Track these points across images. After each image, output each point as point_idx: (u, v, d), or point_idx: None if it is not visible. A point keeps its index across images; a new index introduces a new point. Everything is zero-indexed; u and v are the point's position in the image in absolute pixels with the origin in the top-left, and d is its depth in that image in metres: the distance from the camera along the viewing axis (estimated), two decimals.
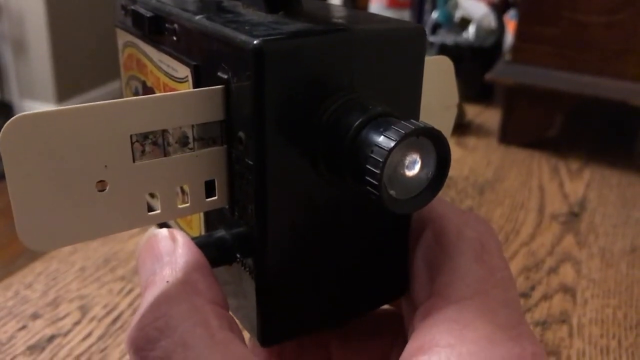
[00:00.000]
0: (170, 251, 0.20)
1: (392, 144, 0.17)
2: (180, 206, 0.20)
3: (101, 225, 0.19)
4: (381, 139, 0.17)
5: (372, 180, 0.17)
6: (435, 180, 0.19)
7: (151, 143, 0.19)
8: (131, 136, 0.18)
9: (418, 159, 0.18)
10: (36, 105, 2.42)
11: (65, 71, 2.46)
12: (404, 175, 0.18)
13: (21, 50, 2.45)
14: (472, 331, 0.19)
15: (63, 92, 2.45)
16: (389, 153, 0.17)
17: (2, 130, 0.16)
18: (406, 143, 0.18)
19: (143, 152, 0.19)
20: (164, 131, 0.19)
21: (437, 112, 0.26)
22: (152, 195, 0.20)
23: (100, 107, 0.18)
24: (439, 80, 0.25)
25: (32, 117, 0.17)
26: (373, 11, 0.86)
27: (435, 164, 0.19)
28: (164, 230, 0.21)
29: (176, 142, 0.19)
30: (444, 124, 0.26)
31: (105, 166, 0.18)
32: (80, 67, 2.52)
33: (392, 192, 0.18)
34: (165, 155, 0.19)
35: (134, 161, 0.19)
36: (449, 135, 0.27)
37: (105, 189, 0.18)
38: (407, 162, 0.18)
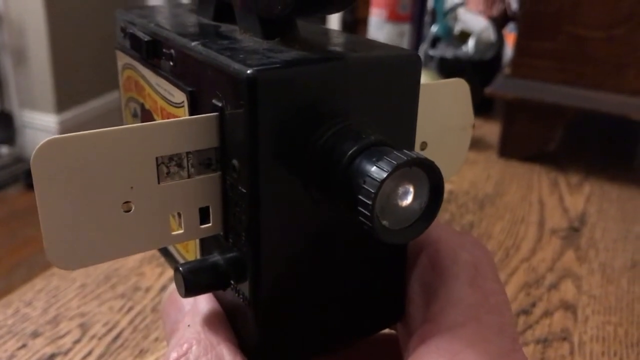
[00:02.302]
0: (190, 302, 0.23)
1: (385, 174, 0.17)
2: (202, 226, 0.21)
3: (126, 245, 0.19)
4: (374, 170, 0.17)
5: (364, 210, 0.17)
6: (428, 210, 0.19)
7: (176, 165, 0.19)
8: (157, 158, 0.19)
9: (411, 189, 0.18)
10: (36, 115, 2.42)
11: (65, 81, 2.47)
12: (396, 205, 0.18)
13: (21, 60, 2.45)
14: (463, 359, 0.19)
15: (63, 102, 2.45)
16: (381, 184, 0.17)
17: (33, 154, 0.17)
18: (399, 173, 0.18)
19: (168, 173, 0.19)
20: (188, 153, 0.19)
21: (453, 132, 0.26)
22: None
23: (128, 130, 0.18)
24: (455, 101, 0.25)
25: (63, 140, 0.17)
26: (373, 25, 0.86)
27: (428, 194, 0.19)
28: None
29: (199, 164, 0.20)
30: (460, 143, 0.27)
31: (131, 187, 0.19)
32: (80, 77, 2.52)
33: (384, 222, 0.18)
34: (189, 177, 0.20)
35: (159, 182, 0.19)
36: (465, 154, 0.27)
37: (130, 210, 0.19)
38: (400, 192, 0.18)
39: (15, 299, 0.42)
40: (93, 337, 0.38)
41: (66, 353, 0.37)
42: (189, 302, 0.23)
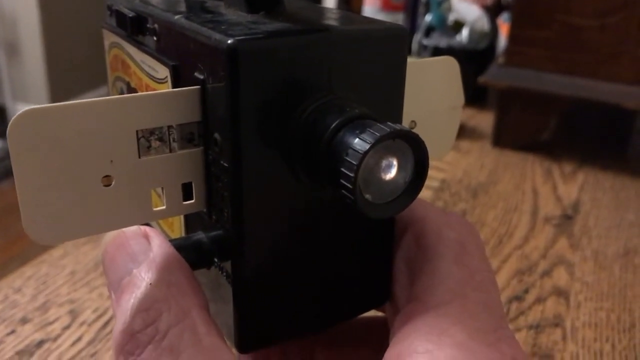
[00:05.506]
0: (145, 250, 0.19)
1: (367, 146, 0.17)
2: (185, 203, 0.20)
3: (106, 220, 0.19)
4: (356, 142, 0.17)
5: (346, 183, 0.17)
6: (412, 185, 0.18)
7: (157, 139, 0.19)
8: (137, 132, 0.18)
9: (395, 162, 0.18)
10: None
11: (58, 74, 2.46)
12: (380, 179, 0.18)
13: (14, 53, 2.44)
14: (450, 337, 0.18)
15: (56, 95, 2.44)
16: (363, 156, 0.17)
17: (10, 123, 0.17)
18: (382, 146, 0.17)
19: (149, 147, 0.19)
20: (170, 127, 0.19)
21: (443, 112, 0.25)
22: None
23: (107, 102, 0.18)
24: (444, 80, 0.25)
25: (40, 111, 0.17)
26: (366, 14, 0.86)
27: (412, 168, 0.18)
28: (135, 228, 0.20)
29: (182, 139, 0.19)
30: (450, 124, 0.26)
31: (111, 161, 0.18)
32: (74, 70, 2.51)
33: (367, 196, 0.18)
34: (170, 152, 0.19)
35: (139, 156, 0.19)
36: (455, 135, 0.27)
37: (110, 184, 0.18)
38: (383, 165, 0.18)
39: (4, 286, 0.41)
40: (83, 323, 0.38)
41: (55, 339, 0.37)
42: (142, 249, 0.19)
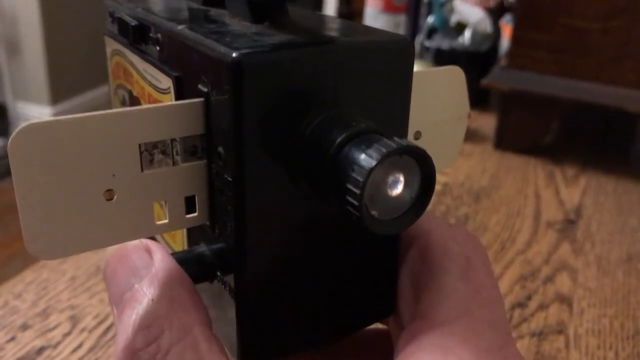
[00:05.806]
0: (146, 264, 0.19)
1: (374, 163, 0.16)
2: (188, 216, 0.20)
3: (109, 234, 0.19)
4: (362, 158, 0.17)
5: (352, 200, 0.17)
6: (419, 201, 0.18)
7: (160, 152, 0.19)
8: (140, 145, 0.18)
9: (401, 178, 0.18)
10: (30, 107, 2.40)
11: (59, 73, 2.45)
12: (386, 195, 0.18)
13: (15, 51, 2.43)
14: (456, 356, 0.18)
15: (57, 94, 2.44)
16: (369, 172, 0.16)
17: (10, 138, 0.17)
18: (389, 162, 0.17)
19: (152, 161, 0.19)
20: (173, 140, 0.19)
21: (448, 122, 0.25)
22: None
23: (108, 115, 0.18)
24: (450, 90, 0.25)
25: (41, 125, 0.17)
26: (368, 15, 0.85)
27: (419, 184, 0.18)
28: (136, 241, 0.20)
29: (185, 152, 0.19)
30: (456, 134, 0.26)
31: (113, 175, 0.18)
32: (75, 68, 2.51)
33: (373, 212, 0.17)
34: (173, 165, 0.19)
35: (142, 170, 0.18)
36: (460, 145, 0.26)
37: (113, 198, 0.18)
38: (389, 181, 0.18)
39: (4, 291, 0.41)
40: (83, 329, 0.38)
41: (56, 346, 0.36)
42: (144, 264, 0.19)
